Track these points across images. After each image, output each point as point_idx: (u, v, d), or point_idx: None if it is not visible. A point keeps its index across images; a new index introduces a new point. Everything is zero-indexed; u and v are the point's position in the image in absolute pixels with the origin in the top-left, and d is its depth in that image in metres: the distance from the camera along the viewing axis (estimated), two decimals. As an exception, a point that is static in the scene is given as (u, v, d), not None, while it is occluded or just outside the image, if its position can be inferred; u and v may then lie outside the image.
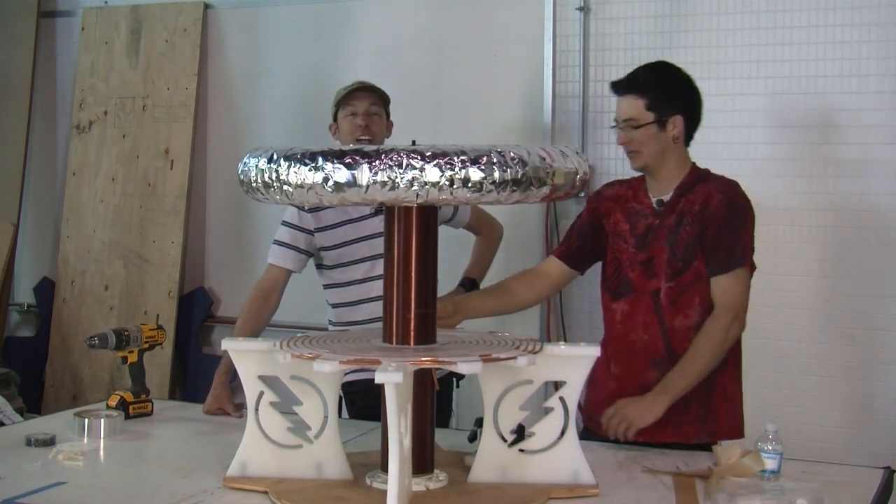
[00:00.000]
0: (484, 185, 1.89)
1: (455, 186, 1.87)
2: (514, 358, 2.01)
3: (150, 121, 4.59)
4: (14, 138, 4.85)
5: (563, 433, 2.16)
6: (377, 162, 1.86)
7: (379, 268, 2.93)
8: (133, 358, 2.84)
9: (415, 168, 1.86)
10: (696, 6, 3.66)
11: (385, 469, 2.04)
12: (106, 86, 4.70)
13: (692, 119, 2.66)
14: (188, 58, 4.52)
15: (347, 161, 1.88)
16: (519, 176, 1.92)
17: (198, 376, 4.53)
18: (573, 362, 2.17)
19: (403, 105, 4.10)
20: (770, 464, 2.20)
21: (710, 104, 3.61)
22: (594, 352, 2.16)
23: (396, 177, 1.86)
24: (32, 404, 4.48)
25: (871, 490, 2.20)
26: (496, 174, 1.89)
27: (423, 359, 1.98)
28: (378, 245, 2.92)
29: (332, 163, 1.88)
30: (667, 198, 2.63)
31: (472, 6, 4.07)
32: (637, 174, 2.71)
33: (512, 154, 1.91)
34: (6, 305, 4.86)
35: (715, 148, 3.64)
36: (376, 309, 2.98)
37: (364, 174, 1.87)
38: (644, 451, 2.47)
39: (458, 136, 4.04)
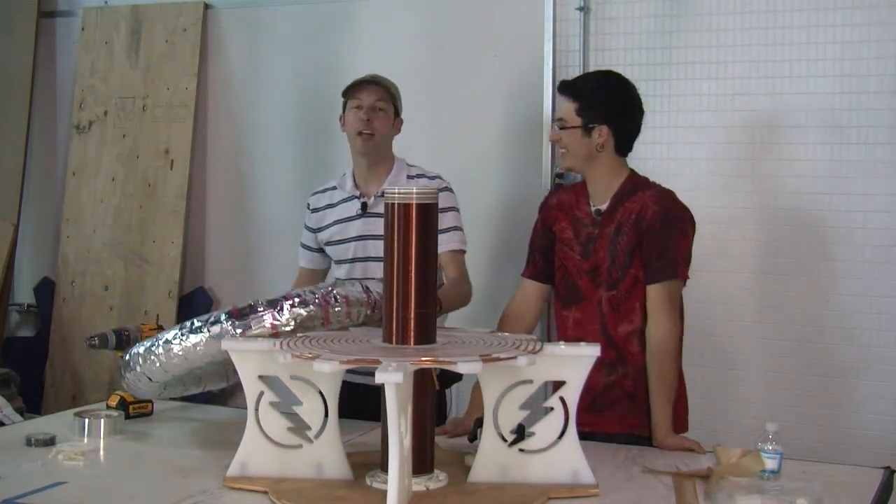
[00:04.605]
0: None
1: None
2: (514, 358, 2.01)
3: (150, 121, 4.59)
4: (14, 138, 4.85)
5: (562, 433, 2.17)
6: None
7: (356, 272, 3.07)
8: (133, 358, 2.84)
9: None
10: (696, 6, 3.66)
11: (385, 469, 2.04)
12: (106, 86, 4.70)
13: (624, 131, 2.72)
14: (188, 58, 4.52)
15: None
16: None
17: (198, 376, 4.53)
18: (573, 362, 2.17)
19: (403, 105, 4.12)
20: (770, 464, 2.20)
21: (711, 104, 3.67)
22: (594, 352, 2.17)
23: None
24: (32, 404, 4.48)
25: (871, 490, 2.20)
26: None
27: (423, 359, 1.98)
28: (359, 249, 3.07)
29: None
30: (604, 207, 2.72)
31: (472, 6, 4.07)
32: (582, 178, 2.81)
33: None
34: (6, 305, 4.86)
35: (716, 148, 3.65)
36: None
37: None
38: (644, 451, 2.47)
39: (457, 136, 4.05)
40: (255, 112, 4.47)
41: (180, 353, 2.34)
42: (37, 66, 4.87)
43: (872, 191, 3.47)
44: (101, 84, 4.70)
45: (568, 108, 2.71)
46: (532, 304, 2.85)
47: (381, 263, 2.95)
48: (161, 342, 2.39)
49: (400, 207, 2.15)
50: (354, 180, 3.11)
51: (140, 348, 2.47)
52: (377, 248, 3.02)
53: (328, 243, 3.15)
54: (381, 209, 2.99)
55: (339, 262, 3.13)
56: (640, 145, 3.54)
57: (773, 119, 3.58)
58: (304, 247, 3.24)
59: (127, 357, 2.51)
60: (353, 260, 3.08)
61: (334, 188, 3.16)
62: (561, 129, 2.71)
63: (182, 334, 2.36)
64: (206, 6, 4.53)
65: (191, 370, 2.44)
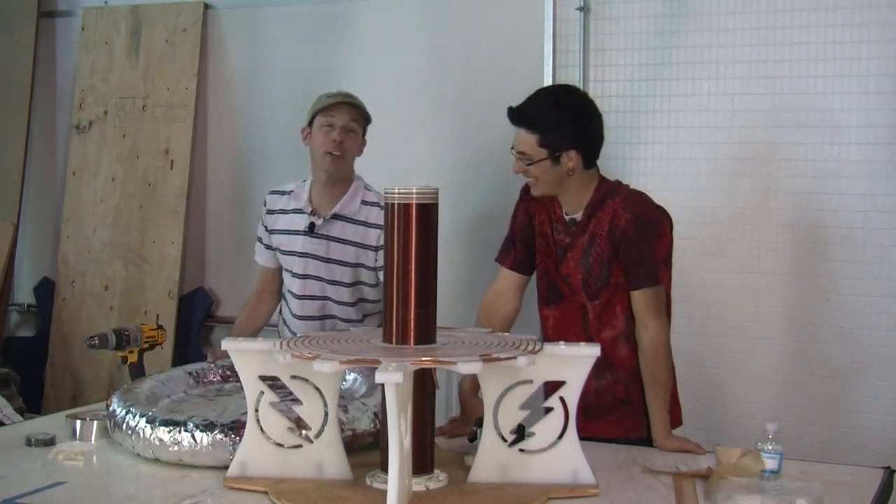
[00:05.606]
0: None
1: None
2: (514, 358, 2.01)
3: (150, 121, 4.59)
4: (14, 138, 4.85)
5: (562, 433, 2.17)
6: None
7: (295, 286, 3.08)
8: (133, 358, 2.84)
9: None
10: (696, 6, 3.66)
11: (385, 469, 2.04)
12: (106, 86, 4.70)
13: (591, 147, 2.64)
14: (188, 58, 4.52)
15: None
16: None
17: (198, 376, 4.53)
18: (573, 362, 2.17)
19: (403, 105, 4.12)
20: (770, 464, 2.21)
21: (711, 104, 3.66)
22: (594, 352, 2.17)
23: None
24: (32, 404, 4.48)
25: (871, 490, 2.20)
26: None
27: (423, 359, 1.98)
28: (301, 265, 3.07)
29: None
30: (578, 217, 2.66)
31: (472, 6, 4.06)
32: None
33: None
34: (6, 305, 4.86)
35: (716, 148, 3.65)
36: (296, 327, 3.11)
37: None
38: (644, 451, 2.47)
39: (457, 136, 4.05)
40: (255, 112, 4.47)
41: (175, 450, 2.26)
42: (37, 66, 4.87)
43: (872, 191, 3.47)
44: (101, 84, 4.70)
45: (527, 140, 2.56)
46: (513, 296, 2.79)
47: (321, 283, 3.01)
48: (154, 432, 2.28)
49: (400, 207, 2.15)
50: (310, 194, 3.08)
51: (131, 418, 2.33)
52: (318, 268, 3.03)
53: (277, 249, 3.14)
54: (328, 231, 3.02)
55: (285, 269, 3.13)
56: (640, 145, 3.54)
57: (773, 119, 3.58)
58: (261, 242, 3.20)
59: (115, 414, 2.40)
60: (295, 275, 3.08)
61: (291, 192, 3.12)
62: (528, 164, 2.58)
63: (174, 432, 2.26)
64: (206, 6, 4.53)
65: None
